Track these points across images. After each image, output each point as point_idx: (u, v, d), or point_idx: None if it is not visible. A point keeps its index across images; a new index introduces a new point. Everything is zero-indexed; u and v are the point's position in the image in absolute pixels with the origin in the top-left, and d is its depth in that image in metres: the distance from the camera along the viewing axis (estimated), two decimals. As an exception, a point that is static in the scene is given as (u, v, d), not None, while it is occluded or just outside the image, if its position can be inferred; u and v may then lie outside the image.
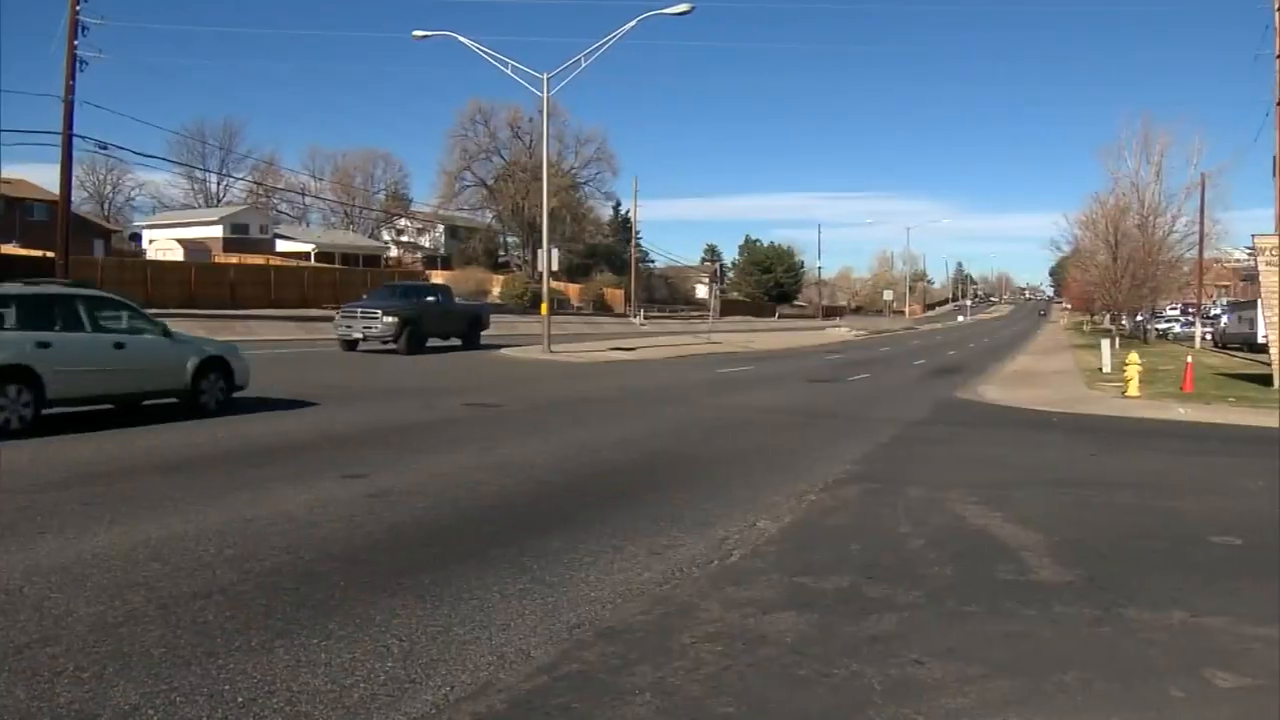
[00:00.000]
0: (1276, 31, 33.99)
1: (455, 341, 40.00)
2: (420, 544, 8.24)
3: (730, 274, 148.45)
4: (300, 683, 5.26)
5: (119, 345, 15.72)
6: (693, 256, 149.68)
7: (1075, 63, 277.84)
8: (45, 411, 14.44)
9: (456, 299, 45.44)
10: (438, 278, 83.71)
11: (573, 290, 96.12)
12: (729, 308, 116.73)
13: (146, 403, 16.45)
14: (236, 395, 17.63)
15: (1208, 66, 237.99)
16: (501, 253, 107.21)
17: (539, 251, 44.03)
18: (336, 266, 75.49)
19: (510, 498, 10.49)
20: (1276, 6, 33.95)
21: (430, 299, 40.07)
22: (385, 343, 35.22)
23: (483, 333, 42.29)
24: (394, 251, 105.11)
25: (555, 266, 45.32)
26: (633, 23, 38.78)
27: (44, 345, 14.34)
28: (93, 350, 15.28)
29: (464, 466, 12.17)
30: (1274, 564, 8.60)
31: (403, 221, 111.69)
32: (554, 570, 7.61)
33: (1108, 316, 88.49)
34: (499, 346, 40.82)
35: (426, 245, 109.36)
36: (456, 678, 5.43)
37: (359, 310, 36.11)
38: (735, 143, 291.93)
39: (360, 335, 35.06)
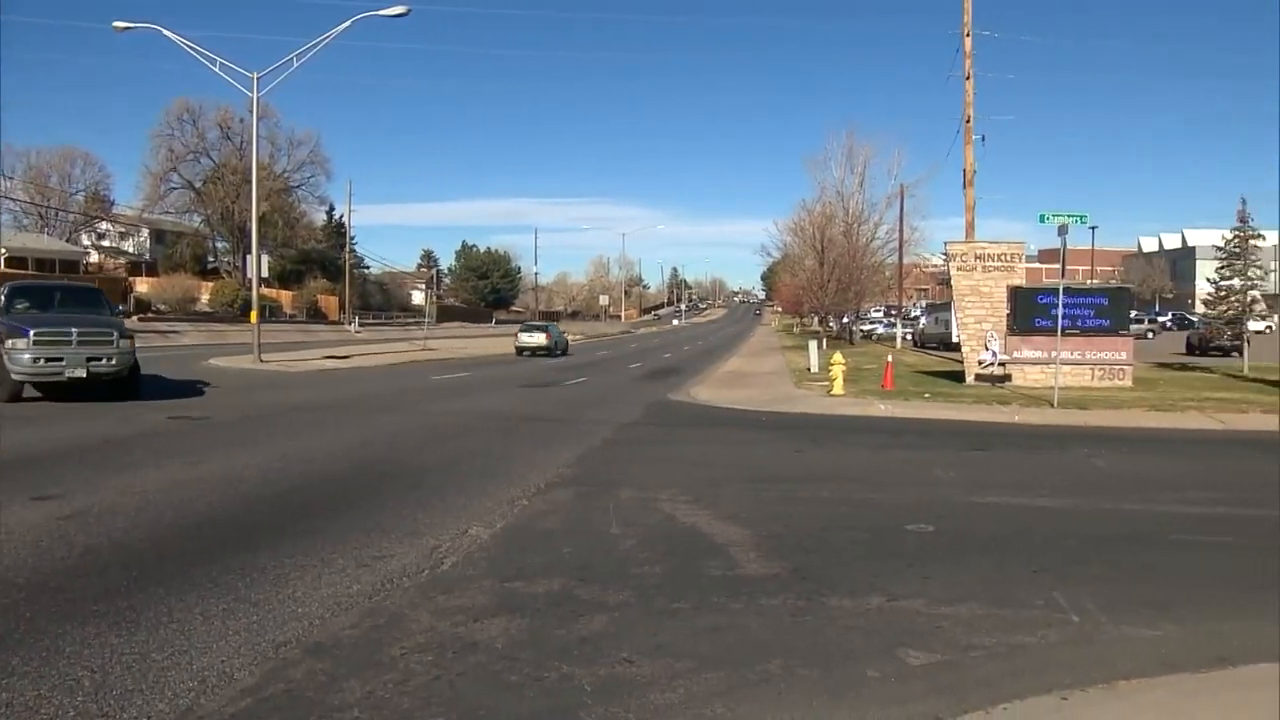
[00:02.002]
0: (966, 55, 36.34)
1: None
2: (117, 567, 7.83)
3: (447, 280, 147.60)
4: (-23, 726, 4.92)
5: (560, 332, 65.56)
6: (409, 262, 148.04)
7: (786, 76, 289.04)
8: (558, 356, 56.02)
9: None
10: (143, 285, 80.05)
11: (286, 297, 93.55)
12: (446, 314, 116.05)
13: None
14: None
15: (908, 84, 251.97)
16: (211, 258, 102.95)
17: (249, 257, 42.83)
18: (30, 273, 70.73)
19: (216, 513, 10.11)
20: (966, 33, 36.27)
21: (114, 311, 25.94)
22: (111, 380, 22.15)
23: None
24: (95, 257, 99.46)
25: (266, 272, 44.03)
26: (347, 23, 38.39)
27: (557, 332, 63.35)
28: (557, 334, 61.66)
29: (167, 483, 11.66)
30: (962, 547, 9.18)
31: (104, 225, 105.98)
32: (260, 587, 7.38)
33: (816, 319, 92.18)
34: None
35: (130, 250, 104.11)
36: (154, 707, 5.19)
37: (74, 332, 21.43)
38: (452, 147, 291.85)
39: (82, 374, 21.24)
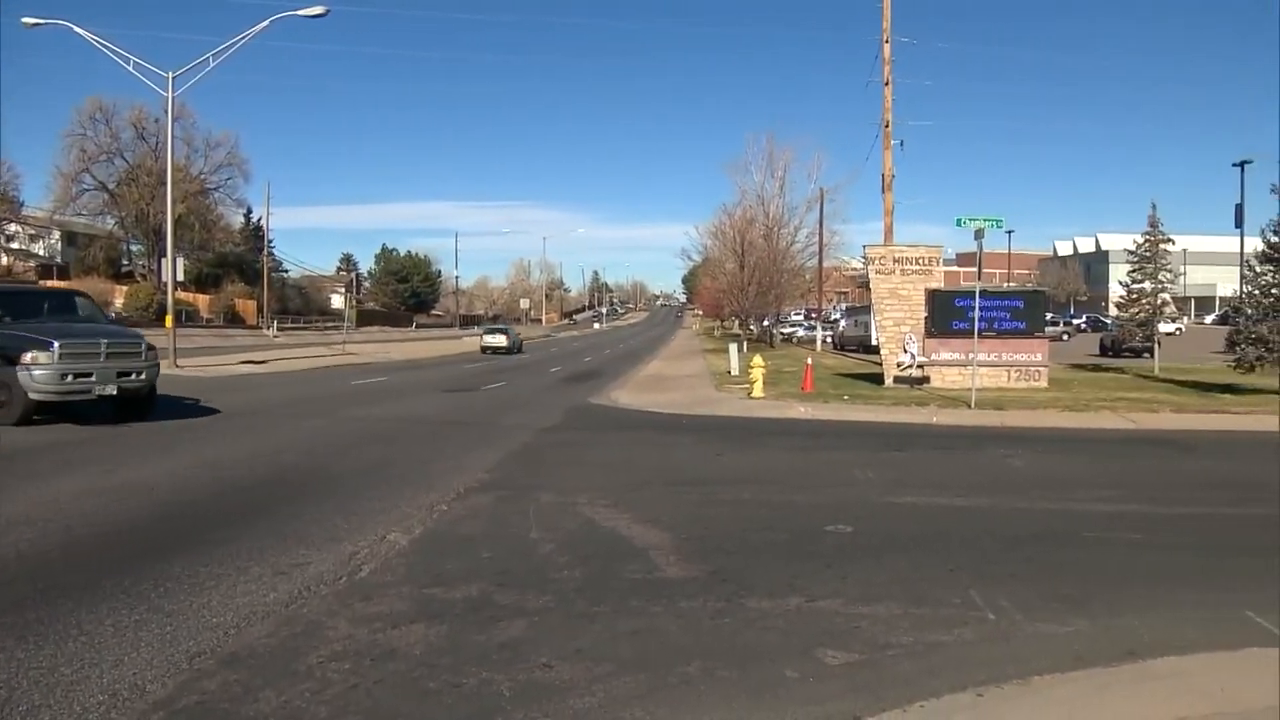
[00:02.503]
0: (885, 62, 36.81)
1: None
2: (24, 579, 7.65)
3: (367, 284, 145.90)
4: (-125, 748, 4.78)
5: (517, 334, 73.90)
6: (328, 266, 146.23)
7: (707, 79, 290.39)
8: (515, 354, 65.39)
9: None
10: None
11: (202, 301, 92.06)
12: (366, 318, 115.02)
13: None
14: None
15: (829, 90, 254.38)
16: (125, 262, 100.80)
17: (164, 260, 42.16)
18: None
19: (129, 522, 9.93)
20: (885, 40, 36.73)
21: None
22: (132, 398, 19.49)
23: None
24: (3, 259, 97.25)
25: (182, 276, 43.39)
26: (265, 23, 37.94)
27: (514, 334, 73.05)
28: (513, 335, 71.50)
29: (78, 491, 11.41)
30: (880, 547, 9.28)
31: (13, 227, 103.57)
32: (174, 597, 7.26)
33: (737, 322, 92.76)
34: None
35: (41, 253, 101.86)
36: (62, 723, 5.06)
37: (104, 344, 18.94)
38: (372, 150, 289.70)
39: (113, 390, 18.71)
